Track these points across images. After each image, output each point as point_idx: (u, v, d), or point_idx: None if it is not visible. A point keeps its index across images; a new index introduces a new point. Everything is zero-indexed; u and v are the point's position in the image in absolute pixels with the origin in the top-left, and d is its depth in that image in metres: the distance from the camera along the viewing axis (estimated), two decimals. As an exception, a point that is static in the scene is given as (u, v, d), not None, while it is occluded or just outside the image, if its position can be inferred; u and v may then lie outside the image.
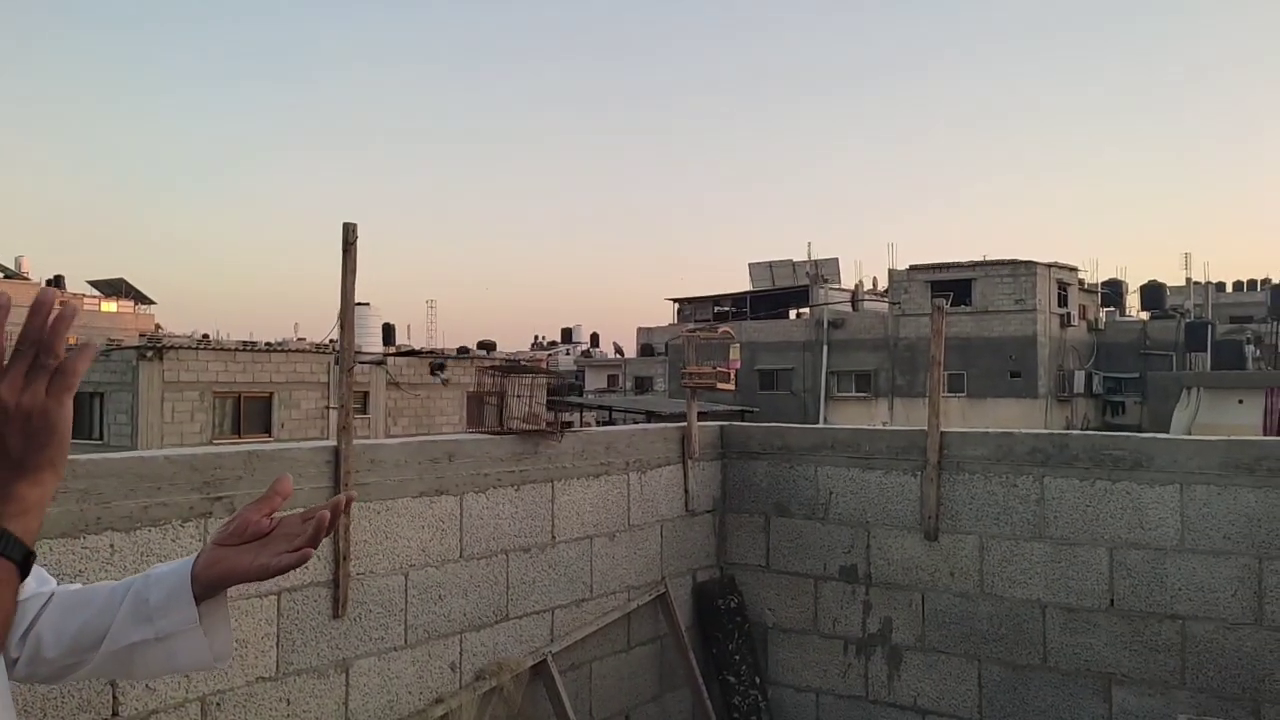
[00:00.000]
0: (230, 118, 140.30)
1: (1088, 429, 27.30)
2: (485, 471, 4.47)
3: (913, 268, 38.81)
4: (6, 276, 53.72)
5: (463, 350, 32.24)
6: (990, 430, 5.38)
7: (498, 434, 4.67)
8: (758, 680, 5.76)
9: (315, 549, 1.38)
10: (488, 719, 4.30)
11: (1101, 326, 41.39)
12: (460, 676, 4.32)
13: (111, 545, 3.15)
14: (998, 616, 5.12)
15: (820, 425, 6.95)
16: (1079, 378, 38.11)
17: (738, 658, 5.74)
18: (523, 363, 6.74)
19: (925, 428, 5.35)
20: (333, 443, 3.86)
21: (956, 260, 38.13)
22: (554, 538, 4.83)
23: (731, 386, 5.84)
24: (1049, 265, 37.09)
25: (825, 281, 43.52)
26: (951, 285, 35.70)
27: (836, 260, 46.06)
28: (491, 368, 5.04)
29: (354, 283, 3.88)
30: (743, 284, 48.59)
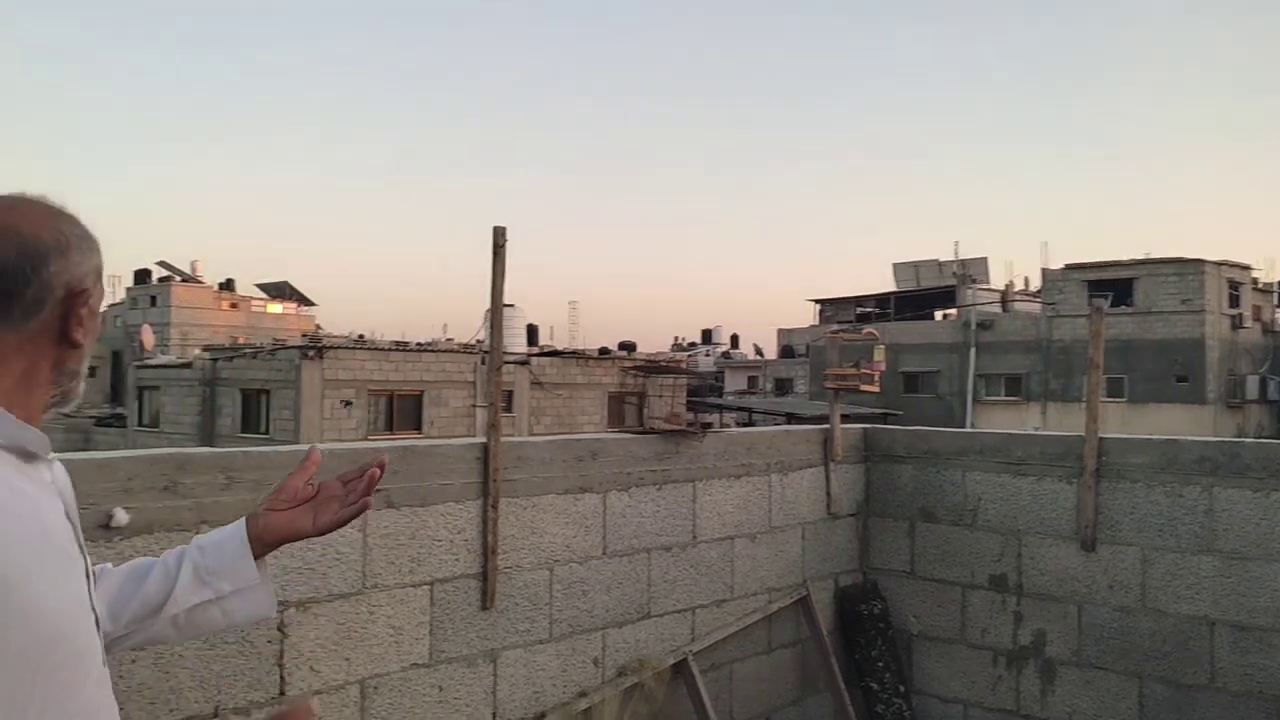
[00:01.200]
0: (382, 124, 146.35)
1: (1262, 437, 25.57)
2: (628, 470, 4.53)
3: (1068, 266, 37.17)
4: (184, 280, 57.52)
5: (604, 351, 32.63)
6: (1153, 437, 5.11)
7: (641, 433, 4.73)
8: (902, 688, 5.64)
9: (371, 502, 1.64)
10: (629, 715, 4.36)
11: (1278, 329, 38.67)
12: (603, 671, 4.39)
13: (280, 533, 3.33)
14: (1161, 633, 4.86)
15: (967, 429, 6.75)
16: (1252, 383, 35.71)
17: (881, 664, 5.63)
18: (663, 364, 6.79)
19: (1082, 433, 5.12)
20: (482, 440, 3.98)
21: (1117, 259, 36.32)
22: (695, 537, 4.86)
23: (875, 388, 5.74)
24: (1219, 263, 34.89)
25: (973, 281, 42.16)
26: (1111, 285, 34.04)
27: (985, 259, 44.56)
28: (634, 368, 5.11)
29: (503, 285, 3.99)
30: (886, 285, 47.57)
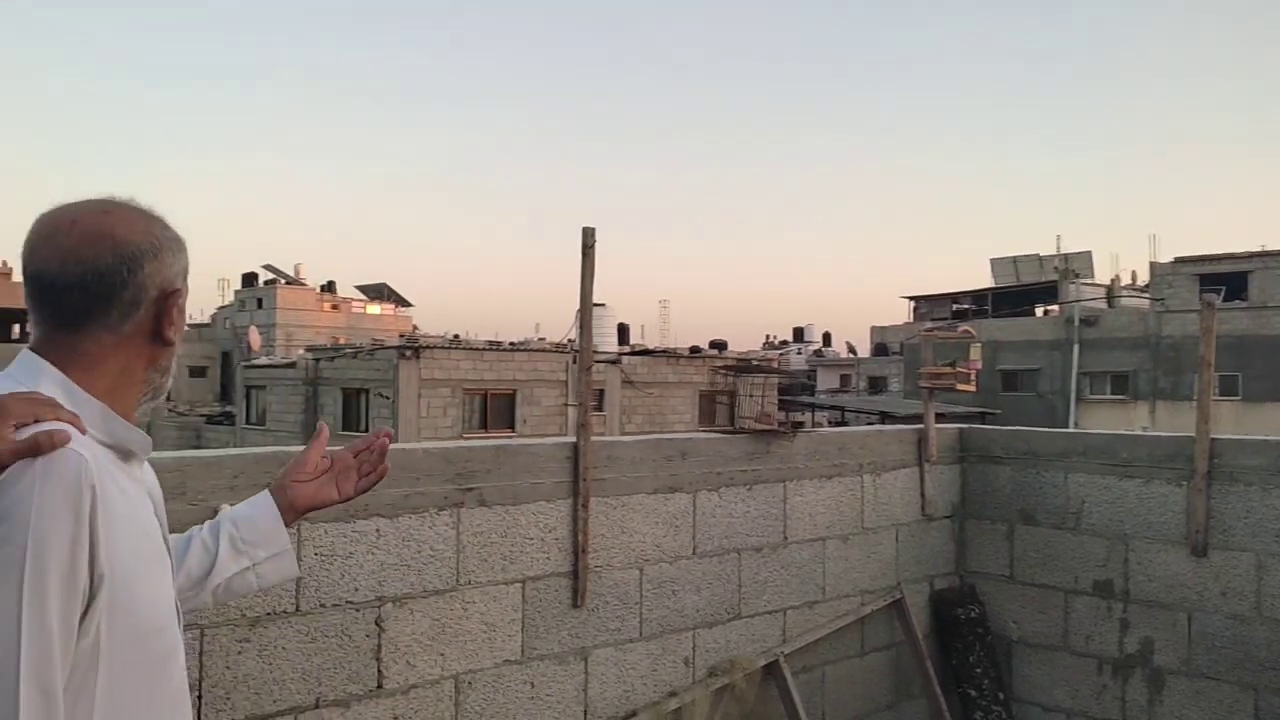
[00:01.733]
0: (476, 125, 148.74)
1: (1392, 438, 24.11)
2: (718, 470, 4.52)
3: (1178, 260, 35.75)
4: (288, 282, 59.44)
5: (694, 350, 32.61)
6: (1270, 438, 4.87)
7: (730, 433, 4.71)
8: (1001, 696, 5.49)
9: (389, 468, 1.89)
10: (720, 716, 4.35)
11: None
12: (693, 671, 4.38)
13: (377, 530, 3.42)
14: (1278, 643, 4.63)
15: (1070, 429, 6.54)
16: (1379, 380, 33.76)
17: (979, 671, 5.50)
18: (755, 362, 6.75)
19: (1193, 434, 4.91)
20: (572, 439, 4.01)
21: (1230, 251, 34.75)
22: (786, 538, 4.81)
23: (972, 387, 5.61)
24: (1342, 254, 33.11)
25: (1076, 276, 40.82)
26: (1223, 278, 32.62)
27: (1089, 254, 43.17)
28: (725, 367, 5.09)
29: (592, 285, 4.02)
30: (983, 280, 46.41)
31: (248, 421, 31.52)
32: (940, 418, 5.84)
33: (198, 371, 59.03)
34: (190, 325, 67.75)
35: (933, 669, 5.38)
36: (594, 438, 4.05)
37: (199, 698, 3.03)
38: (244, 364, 33.66)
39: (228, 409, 38.66)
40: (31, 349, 1.36)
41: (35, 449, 1.18)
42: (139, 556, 1.32)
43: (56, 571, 1.19)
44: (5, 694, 1.14)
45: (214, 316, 64.94)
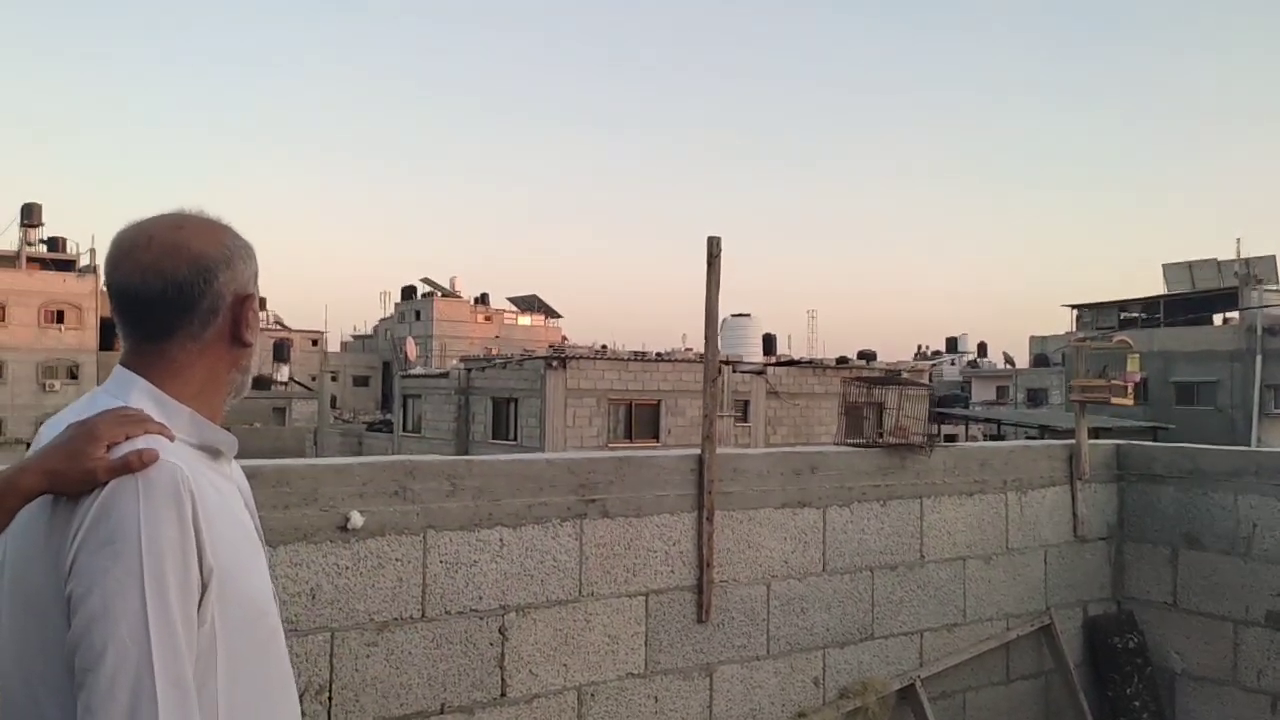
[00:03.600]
0: (626, 136, 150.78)
1: None
2: (849, 485, 4.38)
3: (1376, 262, 32.81)
4: (444, 295, 61.65)
5: (841, 360, 32.03)
6: None
7: (862, 446, 4.56)
8: (1162, 732, 5.11)
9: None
10: (851, 739, 4.20)
11: None
12: (824, 693, 4.25)
13: (501, 539, 3.46)
14: None
15: (1242, 447, 6.04)
16: None
17: (1137, 704, 5.14)
18: (902, 374, 6.55)
19: (1383, 454, 4.46)
20: (697, 452, 3.96)
21: None
22: (923, 556, 4.62)
23: (1129, 401, 5.25)
24: None
25: (1259, 282, 38.02)
26: None
27: (1274, 258, 40.12)
28: (857, 379, 4.94)
29: (718, 294, 3.96)
30: (1155, 287, 43.85)
31: (404, 429, 32.77)
32: (1103, 433, 5.51)
33: (361, 381, 61.88)
34: (354, 337, 71.10)
35: (1086, 701, 5.06)
36: (720, 450, 3.99)
37: (329, 699, 3.12)
38: (401, 374, 35.03)
39: (387, 417, 40.33)
40: (122, 363, 1.44)
41: (127, 468, 1.26)
42: (238, 547, 1.40)
43: (173, 575, 1.27)
44: (146, 693, 1.22)
45: (376, 328, 67.93)
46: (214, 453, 1.45)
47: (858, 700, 4.24)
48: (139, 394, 1.39)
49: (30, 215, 50.64)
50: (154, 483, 1.28)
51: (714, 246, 3.97)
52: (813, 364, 30.88)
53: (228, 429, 1.49)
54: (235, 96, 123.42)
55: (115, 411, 1.31)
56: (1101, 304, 44.62)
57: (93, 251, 50.29)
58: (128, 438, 1.28)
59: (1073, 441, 5.31)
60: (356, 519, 3.17)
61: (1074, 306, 46.26)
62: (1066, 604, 5.19)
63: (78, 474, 1.24)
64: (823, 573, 4.28)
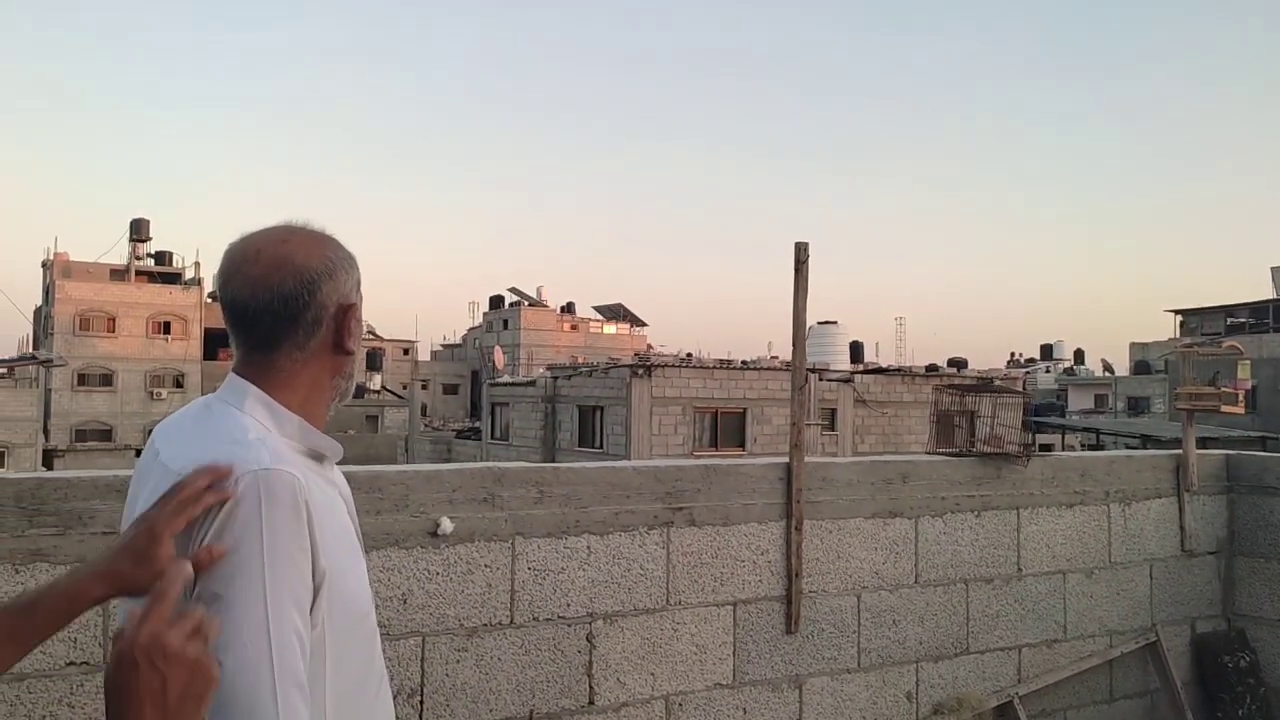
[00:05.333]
0: (711, 141, 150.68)
1: None
2: (942, 495, 4.27)
3: None
4: (531, 304, 62.35)
5: (931, 368, 31.38)
6: None
7: (956, 455, 4.44)
8: (1279, 757, 4.86)
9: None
10: (945, 756, 4.09)
11: None
12: (917, 708, 4.15)
13: (588, 547, 3.46)
14: None
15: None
16: None
17: (1251, 727, 4.89)
18: (996, 381, 6.38)
19: None
20: (785, 460, 3.91)
21: None
22: (1020, 570, 4.48)
23: (1239, 409, 5.03)
24: None
25: (1378, 284, 36.10)
26: None
27: (1395, 257, 38.03)
28: (950, 386, 4.82)
29: (805, 301, 3.91)
30: (1263, 291, 41.98)
31: (492, 436, 33.20)
32: (1211, 442, 5.28)
33: (450, 389, 62.97)
34: (444, 346, 72.39)
35: (1195, 722, 4.84)
36: (809, 459, 3.93)
37: (420, 703, 3.16)
38: (489, 382, 35.52)
39: (476, 424, 40.93)
40: (235, 371, 1.50)
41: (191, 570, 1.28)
42: (343, 550, 1.46)
43: (291, 580, 1.33)
44: (267, 694, 1.27)
45: (465, 337, 69.08)
46: (319, 458, 1.50)
47: (953, 717, 4.12)
48: (252, 401, 1.46)
49: (139, 230, 52.85)
50: (275, 494, 1.34)
51: (801, 252, 3.92)
52: (901, 372, 30.33)
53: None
54: (329, 111, 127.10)
55: (173, 501, 1.33)
56: (1206, 309, 42.94)
57: (197, 265, 52.27)
58: (189, 523, 1.31)
59: (1179, 451, 5.09)
60: (446, 525, 3.20)
61: (1177, 312, 44.61)
62: (1173, 620, 4.98)
63: (146, 578, 1.26)
64: (915, 584, 4.17)
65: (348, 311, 1.51)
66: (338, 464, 1.60)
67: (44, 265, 52.12)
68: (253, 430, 1.47)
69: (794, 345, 3.94)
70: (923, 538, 4.20)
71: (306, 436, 1.48)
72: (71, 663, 2.63)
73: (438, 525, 3.18)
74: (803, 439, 3.92)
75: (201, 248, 54.22)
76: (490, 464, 3.37)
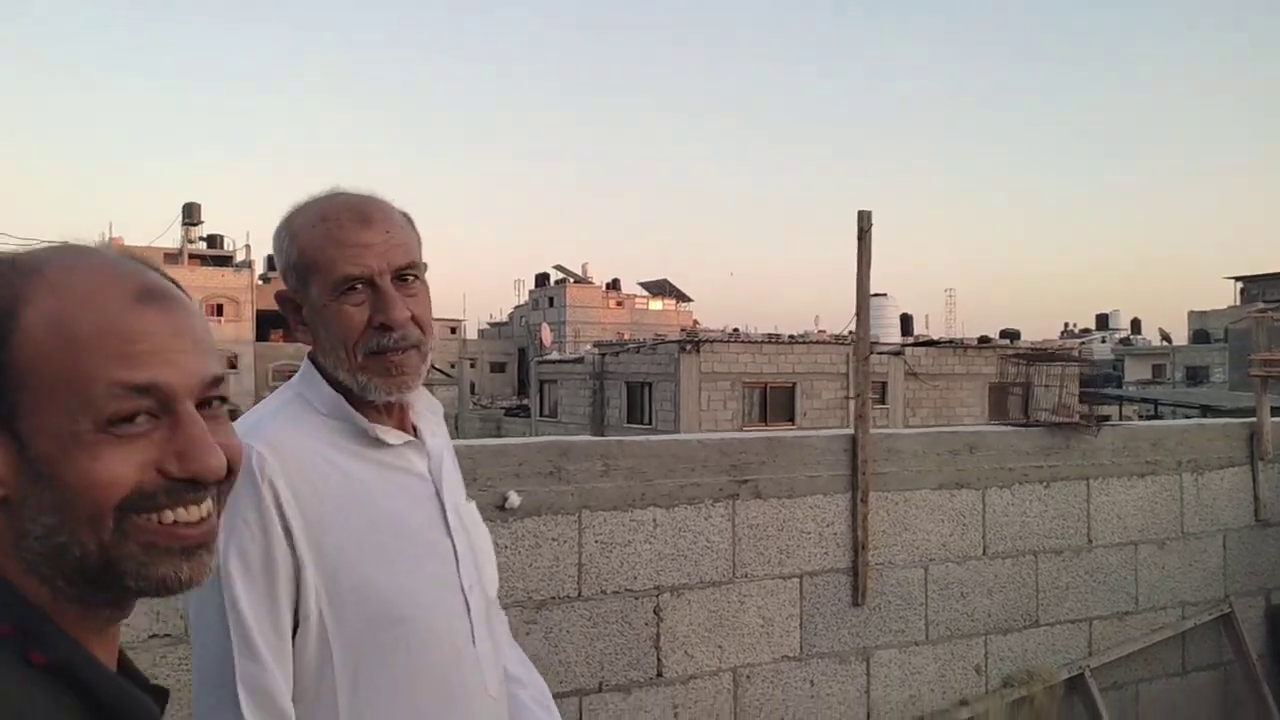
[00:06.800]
0: (753, 118, 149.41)
1: None
2: (1010, 466, 4.20)
3: None
4: (576, 281, 62.50)
5: (983, 339, 30.93)
6: None
7: (1023, 426, 4.37)
8: (1359, 731, 4.74)
9: None
10: (1016, 729, 4.04)
11: None
12: (986, 680, 4.11)
13: (654, 520, 3.45)
14: None
15: None
16: None
17: (1330, 700, 4.77)
18: (1050, 350, 6.26)
19: None
20: (850, 431, 3.87)
21: None
22: (1090, 541, 4.40)
23: (1317, 375, 4.87)
24: None
25: None
26: None
27: None
28: (1016, 355, 4.73)
29: (869, 270, 3.85)
30: (1329, 255, 40.82)
31: (541, 414, 33.39)
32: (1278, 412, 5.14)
33: (498, 367, 63.40)
34: (490, 324, 72.81)
35: (1270, 695, 4.74)
36: (874, 430, 3.88)
37: (491, 674, 3.18)
38: (537, 360, 35.70)
39: (523, 402, 41.20)
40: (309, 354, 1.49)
41: None
42: (361, 544, 1.35)
43: (237, 561, 1.28)
44: (228, 696, 1.25)
45: (511, 315, 69.46)
46: (367, 436, 1.42)
47: (1023, 689, 4.07)
48: (299, 375, 1.47)
49: (190, 214, 53.78)
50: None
51: (864, 220, 3.86)
52: (953, 344, 29.95)
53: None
54: (376, 92, 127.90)
55: None
56: (1269, 275, 41.86)
57: (248, 248, 53.09)
58: None
59: (1253, 420, 4.96)
60: (514, 498, 3.21)
61: (1239, 278, 43.54)
62: (1248, 592, 4.86)
63: None
64: (983, 556, 4.12)
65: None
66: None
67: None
68: (273, 402, 1.46)
69: (858, 315, 3.89)
70: (990, 509, 4.14)
71: (343, 412, 1.41)
72: (154, 635, 2.68)
73: (505, 499, 3.19)
74: (867, 410, 3.88)
75: (252, 230, 55.01)
76: (556, 438, 3.37)
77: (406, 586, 1.38)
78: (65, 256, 0.79)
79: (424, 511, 1.45)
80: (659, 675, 3.45)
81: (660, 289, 66.58)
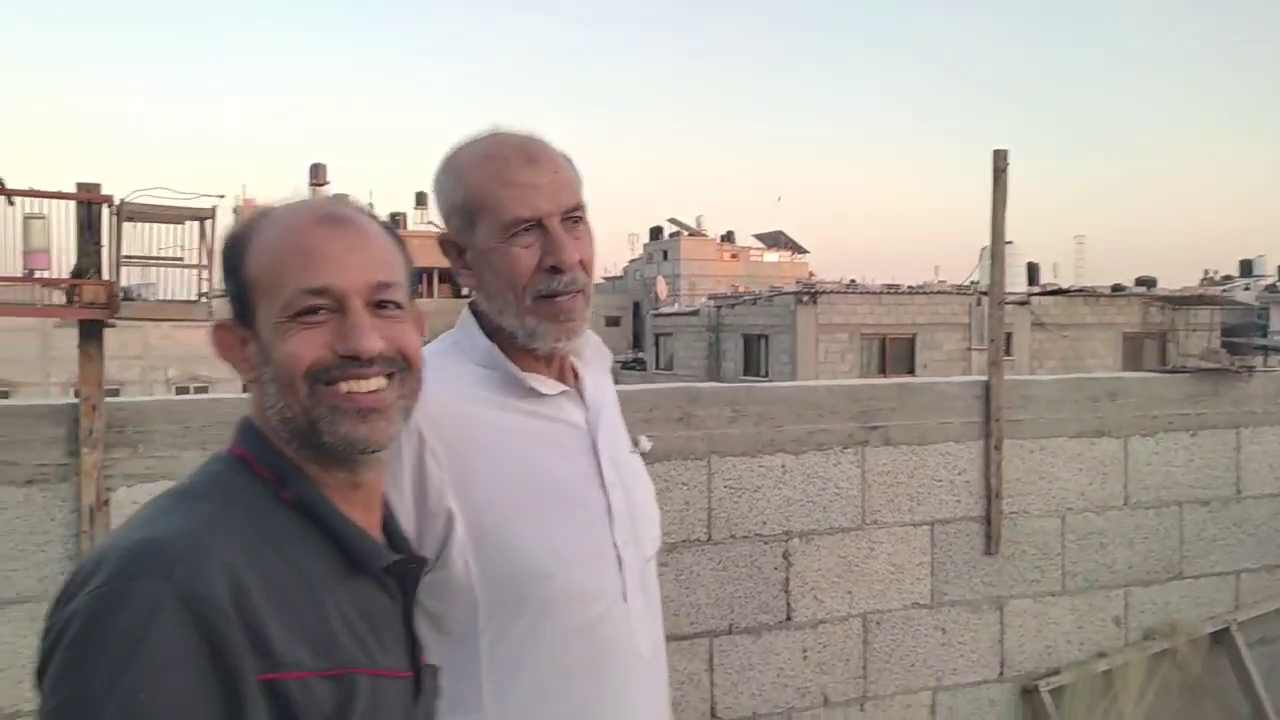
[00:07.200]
0: (870, 67, 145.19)
1: None
2: (1153, 413, 4.04)
3: None
4: (690, 234, 62.26)
5: (1117, 288, 29.58)
6: None
7: (1168, 373, 4.19)
8: None
9: None
10: (1158, 683, 3.93)
11: None
12: (1125, 633, 4.00)
13: (783, 465, 3.46)
14: None
15: None
16: None
17: None
18: (1197, 295, 5.96)
19: None
20: (983, 378, 3.78)
21: None
22: (1239, 491, 4.21)
23: None
24: None
25: None
26: None
27: None
28: (1164, 299, 4.52)
29: (1004, 212, 3.73)
30: None
31: (657, 366, 33.60)
32: None
33: (613, 321, 63.84)
34: (605, 278, 73.20)
35: None
36: (1008, 377, 3.79)
37: (624, 614, 3.26)
38: (652, 313, 35.88)
39: (639, 355, 41.49)
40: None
41: None
42: (509, 497, 1.33)
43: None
44: None
45: (625, 269, 69.74)
46: (521, 386, 1.39)
47: (1165, 642, 3.95)
48: (459, 324, 1.46)
49: (316, 175, 55.56)
50: None
51: (1000, 160, 3.73)
52: (1084, 292, 28.74)
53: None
54: (487, 45, 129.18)
55: None
56: None
57: (370, 205, 54.64)
58: None
59: None
60: (645, 443, 3.25)
61: (1401, 218, 40.41)
62: None
63: None
64: (1124, 506, 3.99)
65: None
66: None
67: (234, 211, 55.60)
68: (428, 352, 1.46)
69: (994, 258, 3.78)
70: (1132, 458, 4.00)
71: (496, 363, 1.39)
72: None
73: (637, 443, 3.23)
74: (1001, 356, 3.78)
75: (374, 190, 56.50)
76: (684, 384, 3.40)
77: (554, 540, 1.35)
78: (285, 202, 1.07)
79: (577, 464, 1.41)
80: (788, 619, 3.48)
81: (775, 240, 65.75)
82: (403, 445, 1.25)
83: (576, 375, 1.48)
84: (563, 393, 1.42)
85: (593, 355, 1.53)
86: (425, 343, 1.18)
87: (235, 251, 1.04)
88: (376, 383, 1.01)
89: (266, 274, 1.01)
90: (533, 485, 1.35)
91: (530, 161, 1.36)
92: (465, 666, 1.30)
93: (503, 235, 1.35)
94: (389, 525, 1.13)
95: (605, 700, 1.38)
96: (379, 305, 1.02)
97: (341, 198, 1.12)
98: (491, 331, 1.41)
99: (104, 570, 0.86)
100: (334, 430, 0.99)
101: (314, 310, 0.99)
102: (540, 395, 1.39)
